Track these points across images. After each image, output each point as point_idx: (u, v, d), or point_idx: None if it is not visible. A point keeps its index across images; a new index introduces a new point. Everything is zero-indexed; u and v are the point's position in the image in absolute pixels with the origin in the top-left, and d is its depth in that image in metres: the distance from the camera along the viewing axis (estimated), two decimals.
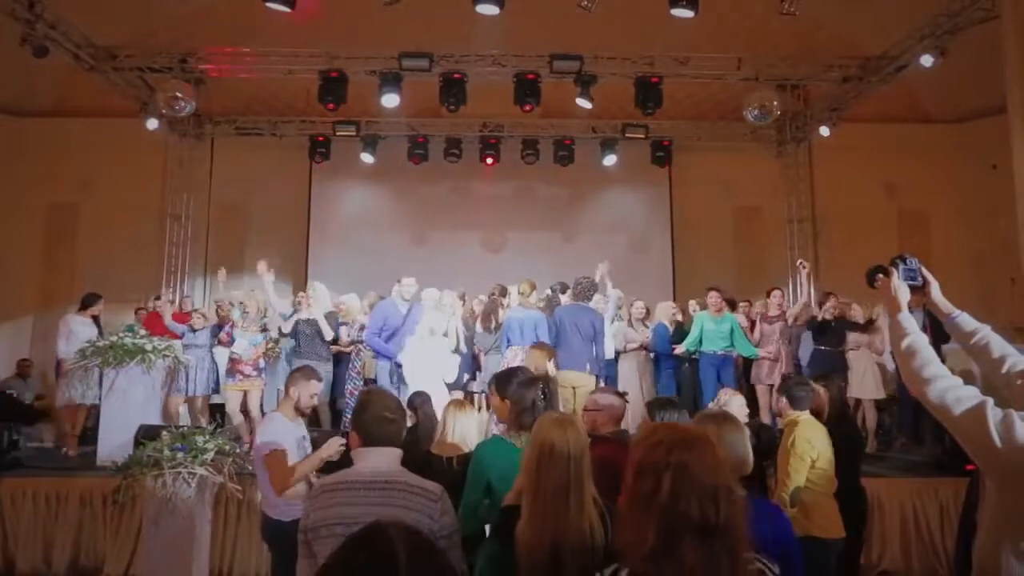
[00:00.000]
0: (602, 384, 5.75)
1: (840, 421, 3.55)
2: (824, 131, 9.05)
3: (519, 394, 2.55)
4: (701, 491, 1.22)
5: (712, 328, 6.29)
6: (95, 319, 6.56)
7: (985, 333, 1.89)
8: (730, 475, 1.32)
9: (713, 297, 6.40)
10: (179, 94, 7.97)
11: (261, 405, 6.03)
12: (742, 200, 10.18)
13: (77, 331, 6.18)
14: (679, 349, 6.32)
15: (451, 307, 5.93)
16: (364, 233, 10.03)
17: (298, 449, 3.20)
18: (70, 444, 6.01)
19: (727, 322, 6.35)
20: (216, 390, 6.42)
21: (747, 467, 1.90)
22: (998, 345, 1.86)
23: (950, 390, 1.61)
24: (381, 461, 2.09)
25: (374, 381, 5.70)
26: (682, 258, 10.04)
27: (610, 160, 9.89)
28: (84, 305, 6.51)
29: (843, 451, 3.33)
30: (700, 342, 6.28)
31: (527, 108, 8.07)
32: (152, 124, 8.75)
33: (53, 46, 7.08)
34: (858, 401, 6.28)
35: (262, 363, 6.09)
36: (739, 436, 1.96)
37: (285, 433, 3.16)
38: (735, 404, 3.80)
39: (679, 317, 6.88)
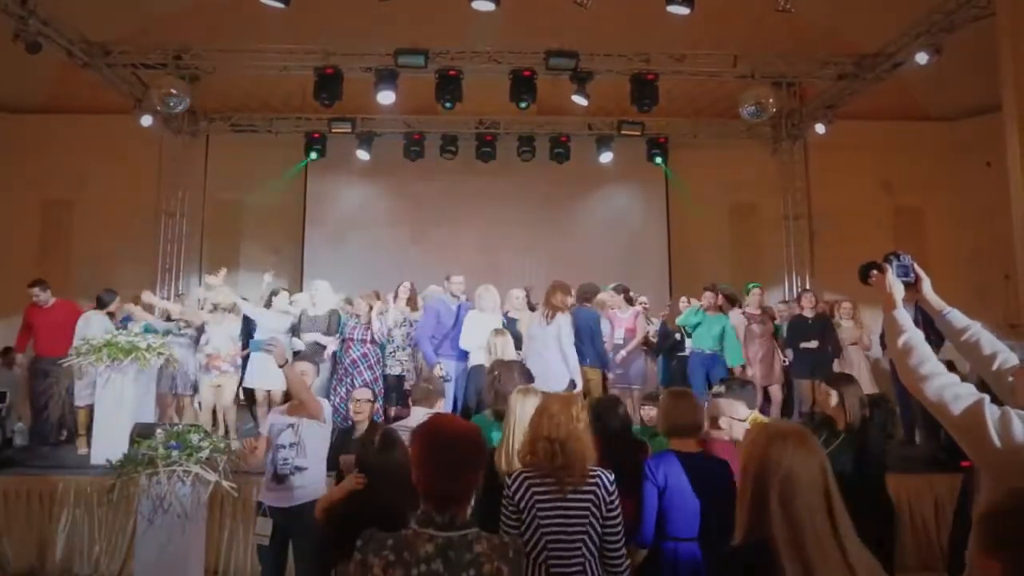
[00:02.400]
0: (610, 377, 5.99)
1: (863, 428, 3.16)
2: (820, 128, 9.06)
3: (483, 382, 3.62)
4: (551, 422, 2.29)
5: (704, 326, 6.26)
6: (112, 316, 6.49)
7: (976, 330, 1.89)
8: (582, 414, 2.36)
9: (707, 298, 6.34)
10: (173, 91, 7.93)
11: (237, 397, 6.09)
12: (738, 197, 10.19)
13: (85, 328, 6.13)
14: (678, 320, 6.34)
15: (521, 306, 5.92)
16: (360, 230, 10.00)
17: (267, 433, 3.47)
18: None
19: (719, 323, 6.28)
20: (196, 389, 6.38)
21: (696, 430, 2.69)
22: (988, 342, 1.86)
23: (947, 387, 1.60)
24: (421, 415, 3.17)
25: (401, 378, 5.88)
26: (678, 255, 10.05)
27: (606, 157, 9.88)
28: (101, 304, 6.45)
29: (870, 462, 3.06)
30: (692, 333, 6.30)
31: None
32: (146, 121, 8.70)
33: (46, 42, 7.02)
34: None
35: (239, 360, 6.08)
36: (689, 405, 2.72)
37: (269, 421, 3.57)
38: (739, 404, 3.71)
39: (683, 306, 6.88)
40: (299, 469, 3.34)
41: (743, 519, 1.39)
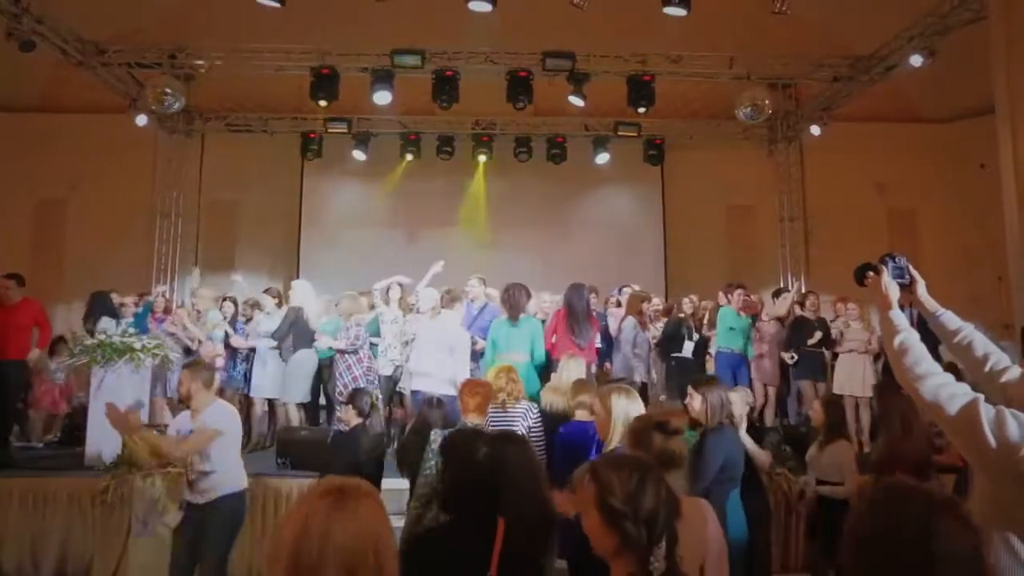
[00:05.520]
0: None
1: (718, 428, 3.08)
2: (815, 130, 9.10)
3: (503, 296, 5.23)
4: (498, 380, 3.84)
5: (736, 326, 6.26)
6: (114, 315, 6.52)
7: (968, 332, 1.90)
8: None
9: (740, 295, 6.36)
10: (168, 90, 7.90)
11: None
12: (734, 198, 10.22)
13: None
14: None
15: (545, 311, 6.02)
16: (356, 231, 9.98)
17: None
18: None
19: (747, 322, 6.34)
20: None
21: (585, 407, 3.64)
22: (981, 343, 1.88)
23: (943, 387, 1.61)
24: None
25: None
26: (674, 256, 10.07)
27: (603, 158, 9.89)
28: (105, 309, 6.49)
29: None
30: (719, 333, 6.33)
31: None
32: (141, 120, 8.67)
33: (40, 41, 6.99)
34: (840, 397, 6.29)
35: (220, 362, 6.12)
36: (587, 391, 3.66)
37: (176, 427, 3.63)
38: (735, 399, 3.80)
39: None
40: (204, 474, 3.42)
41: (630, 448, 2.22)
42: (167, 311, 6.77)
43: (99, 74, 8.15)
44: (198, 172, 10.03)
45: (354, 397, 4.01)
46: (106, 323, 6.16)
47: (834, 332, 6.53)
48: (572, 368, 4.24)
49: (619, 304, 6.75)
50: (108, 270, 8.83)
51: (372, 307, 6.22)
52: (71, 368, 5.61)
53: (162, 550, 4.00)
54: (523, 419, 3.80)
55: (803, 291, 7.82)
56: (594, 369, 5.47)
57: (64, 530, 4.67)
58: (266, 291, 6.62)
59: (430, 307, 5.98)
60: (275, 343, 6.11)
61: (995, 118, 6.23)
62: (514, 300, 4.96)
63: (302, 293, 6.36)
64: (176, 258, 9.80)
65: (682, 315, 6.69)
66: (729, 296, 6.52)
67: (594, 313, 5.90)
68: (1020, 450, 1.49)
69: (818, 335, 6.33)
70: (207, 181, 10.04)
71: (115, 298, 6.82)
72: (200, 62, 8.21)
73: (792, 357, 6.47)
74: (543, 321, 5.65)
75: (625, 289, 7.08)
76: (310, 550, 1.05)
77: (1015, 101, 6.02)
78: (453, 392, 4.36)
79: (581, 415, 3.61)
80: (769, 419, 6.46)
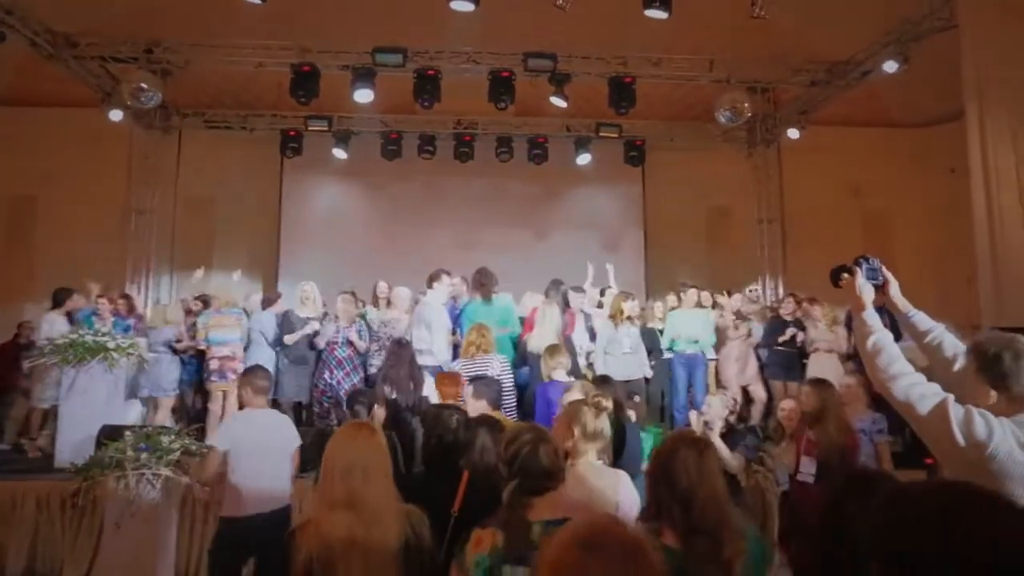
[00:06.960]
0: None
1: (619, 431, 3.22)
2: (793, 133, 9.25)
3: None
4: (468, 338, 4.68)
5: (686, 327, 6.25)
6: (69, 315, 6.26)
7: (939, 332, 1.95)
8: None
9: (691, 293, 6.41)
10: (144, 85, 7.73)
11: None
12: (713, 200, 10.34)
13: (50, 330, 5.91)
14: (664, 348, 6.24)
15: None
16: (336, 230, 9.89)
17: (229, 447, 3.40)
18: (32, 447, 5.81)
19: (698, 320, 6.34)
20: (182, 391, 6.25)
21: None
22: (950, 344, 1.93)
23: (914, 387, 1.66)
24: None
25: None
26: (654, 257, 10.16)
27: (584, 159, 9.94)
28: (56, 302, 6.23)
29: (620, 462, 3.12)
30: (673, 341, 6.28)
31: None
32: (116, 115, 8.48)
33: (8, 32, 6.81)
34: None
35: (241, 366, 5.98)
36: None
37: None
38: (715, 403, 3.96)
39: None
40: None
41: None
42: (131, 310, 6.61)
43: (71, 67, 7.95)
44: (175, 169, 9.84)
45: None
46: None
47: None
48: (550, 314, 5.04)
49: (600, 305, 6.77)
50: (81, 268, 8.61)
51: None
52: (40, 368, 5.45)
53: (135, 552, 3.92)
54: (491, 368, 4.28)
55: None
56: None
57: (33, 534, 4.55)
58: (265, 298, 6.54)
59: (405, 306, 6.01)
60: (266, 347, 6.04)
61: (964, 123, 6.39)
62: (485, 279, 5.45)
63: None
64: (152, 256, 9.61)
65: (650, 324, 6.68)
66: (681, 297, 6.52)
67: (579, 312, 5.92)
68: (987, 448, 1.54)
69: (789, 332, 6.40)
70: (184, 178, 9.86)
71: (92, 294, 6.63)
72: (177, 57, 8.06)
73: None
74: (521, 319, 5.71)
75: (610, 290, 7.10)
76: (330, 461, 1.84)
77: (983, 107, 6.19)
78: (431, 362, 4.90)
79: (558, 375, 3.99)
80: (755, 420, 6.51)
